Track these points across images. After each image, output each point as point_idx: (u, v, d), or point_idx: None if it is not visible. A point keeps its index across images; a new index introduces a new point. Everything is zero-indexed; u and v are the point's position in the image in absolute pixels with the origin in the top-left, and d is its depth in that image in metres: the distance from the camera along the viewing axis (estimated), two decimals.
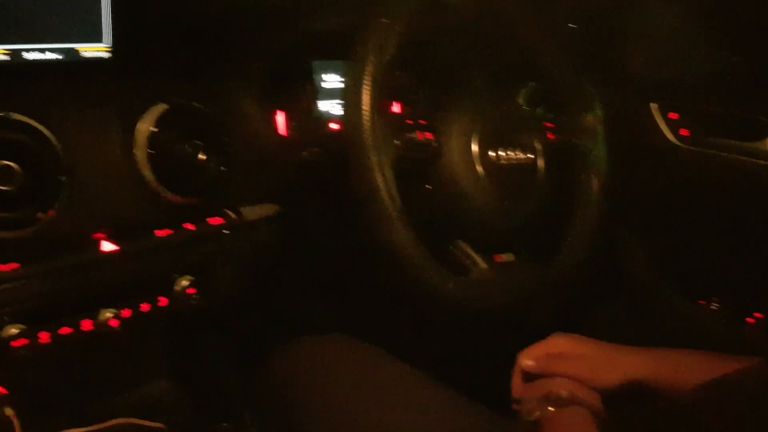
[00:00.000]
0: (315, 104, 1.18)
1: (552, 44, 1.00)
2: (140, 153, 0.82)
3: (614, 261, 1.17)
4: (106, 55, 0.85)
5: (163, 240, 0.85)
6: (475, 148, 0.89)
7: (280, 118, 1.13)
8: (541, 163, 0.96)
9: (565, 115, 1.03)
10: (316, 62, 1.19)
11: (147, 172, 0.83)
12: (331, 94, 1.21)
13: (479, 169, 0.88)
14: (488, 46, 1.07)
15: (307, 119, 1.16)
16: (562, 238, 0.96)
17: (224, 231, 0.93)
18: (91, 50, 0.85)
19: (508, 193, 0.92)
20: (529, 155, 0.94)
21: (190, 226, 0.89)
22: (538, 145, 0.96)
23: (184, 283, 0.90)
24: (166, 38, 0.87)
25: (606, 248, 1.01)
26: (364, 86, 0.79)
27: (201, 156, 0.85)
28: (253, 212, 0.97)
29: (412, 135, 0.86)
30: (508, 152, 0.92)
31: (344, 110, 0.82)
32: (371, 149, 0.78)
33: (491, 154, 0.90)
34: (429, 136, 0.88)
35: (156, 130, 0.83)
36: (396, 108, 1.05)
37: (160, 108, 0.84)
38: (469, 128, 0.89)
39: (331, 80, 1.21)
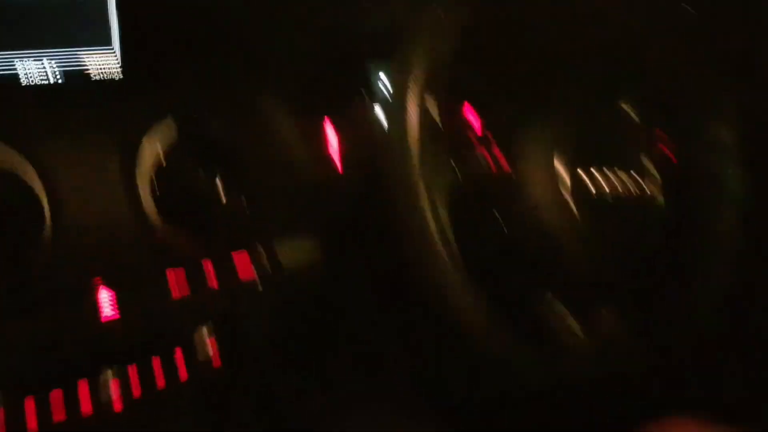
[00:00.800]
0: (372, 113, 1.01)
1: (669, 31, 0.77)
2: (142, 183, 0.67)
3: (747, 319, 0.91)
4: (116, 69, 0.71)
5: (177, 303, 0.69)
6: (562, 172, 0.67)
7: (330, 133, 0.95)
8: (654, 189, 0.73)
9: (688, 126, 0.80)
10: (373, 63, 1.01)
11: (149, 207, 0.67)
12: None
13: (569, 199, 0.67)
14: (583, 34, 0.85)
15: (361, 132, 0.99)
16: (685, 289, 0.73)
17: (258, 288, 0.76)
18: (99, 66, 0.71)
19: (610, 230, 0.70)
20: (637, 180, 0.71)
21: (212, 284, 0.72)
22: (650, 167, 0.73)
23: (205, 347, 0.74)
24: (181, 42, 0.72)
25: (740, 303, 0.77)
26: (409, 100, 0.60)
27: (218, 186, 0.69)
28: (293, 258, 0.79)
29: (477, 154, 0.66)
30: (609, 177, 0.70)
31: (387, 130, 0.63)
32: (418, 183, 0.58)
33: (586, 179, 0.68)
34: (500, 155, 0.67)
35: (163, 153, 0.68)
36: (456, 117, 0.85)
37: (170, 126, 0.68)
38: (556, 145, 0.68)
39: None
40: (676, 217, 0.74)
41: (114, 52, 0.70)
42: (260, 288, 0.75)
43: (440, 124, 0.64)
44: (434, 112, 0.61)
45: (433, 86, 0.61)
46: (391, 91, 0.62)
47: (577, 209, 0.67)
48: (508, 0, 0.69)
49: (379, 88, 1.02)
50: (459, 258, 0.59)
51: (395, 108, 0.60)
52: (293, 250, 0.79)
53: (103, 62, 0.70)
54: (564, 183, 0.67)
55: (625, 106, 0.84)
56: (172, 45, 0.71)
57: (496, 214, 0.68)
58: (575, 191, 0.67)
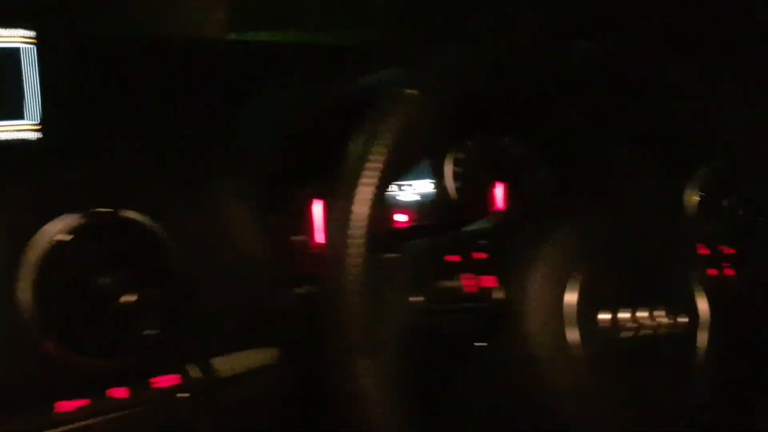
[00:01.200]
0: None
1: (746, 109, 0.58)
2: (25, 285, 0.54)
3: None
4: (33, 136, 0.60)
5: (66, 417, 0.56)
6: (572, 302, 0.49)
7: (317, 213, 0.80)
8: (705, 332, 0.53)
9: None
10: None
11: (31, 318, 0.53)
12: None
13: (576, 341, 0.48)
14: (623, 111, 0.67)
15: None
16: None
17: (179, 395, 0.61)
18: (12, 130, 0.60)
19: (638, 386, 0.51)
20: (681, 319, 0.52)
21: (119, 393, 0.59)
22: (701, 297, 0.53)
23: None
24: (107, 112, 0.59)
25: None
26: (355, 209, 0.44)
27: (127, 297, 0.55)
28: (232, 364, 0.64)
29: (453, 284, 0.48)
30: (642, 313, 0.50)
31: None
32: (355, 331, 0.42)
33: (604, 317, 0.49)
34: (488, 281, 0.50)
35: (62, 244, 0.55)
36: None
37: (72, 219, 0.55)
38: (569, 265, 0.50)
39: None
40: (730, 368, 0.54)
41: (32, 124, 0.59)
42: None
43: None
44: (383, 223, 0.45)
45: (384, 195, 0.45)
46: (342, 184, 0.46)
47: (587, 355, 0.48)
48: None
49: None
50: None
51: (335, 219, 0.45)
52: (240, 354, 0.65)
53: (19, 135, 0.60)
54: (571, 317, 0.48)
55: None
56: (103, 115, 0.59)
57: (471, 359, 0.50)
58: (588, 330, 0.49)
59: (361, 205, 0.44)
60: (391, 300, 0.45)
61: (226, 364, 0.64)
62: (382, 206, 0.45)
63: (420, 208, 0.87)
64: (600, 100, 0.82)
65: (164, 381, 0.61)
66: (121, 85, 0.60)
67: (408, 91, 0.45)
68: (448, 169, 0.88)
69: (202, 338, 0.63)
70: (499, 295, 0.49)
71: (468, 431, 0.53)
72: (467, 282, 0.49)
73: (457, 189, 0.88)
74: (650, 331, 0.50)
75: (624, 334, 0.49)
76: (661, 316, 0.51)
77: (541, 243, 0.50)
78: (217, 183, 0.63)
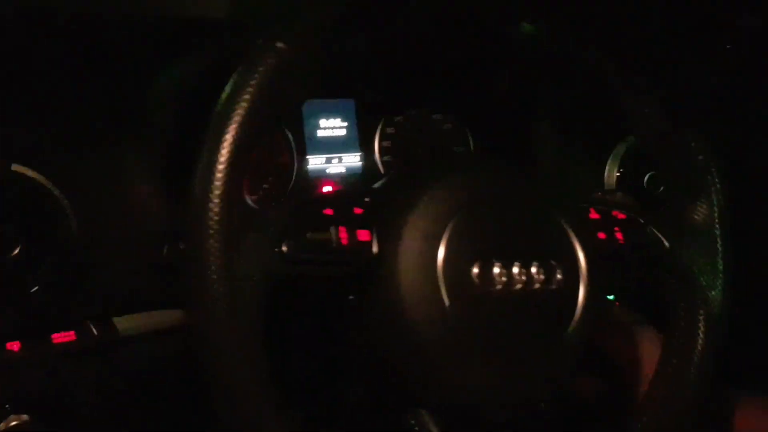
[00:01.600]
0: (303, 160, 0.85)
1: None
2: None
3: None
4: None
5: None
6: (443, 256, 0.49)
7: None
8: (584, 288, 0.53)
9: (652, 198, 0.61)
10: (308, 102, 0.86)
11: None
12: (327, 145, 0.87)
13: (446, 300, 0.49)
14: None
15: (286, 181, 0.84)
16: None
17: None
18: None
19: (508, 342, 0.51)
20: (559, 275, 0.52)
21: (13, 346, 0.59)
22: (582, 256, 0.54)
23: (14, 424, 0.61)
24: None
25: None
26: (220, 159, 0.44)
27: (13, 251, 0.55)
28: (134, 323, 0.65)
29: (324, 235, 0.49)
30: (516, 269, 0.51)
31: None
32: (221, 280, 0.43)
33: (476, 271, 0.50)
34: (363, 235, 0.50)
35: None
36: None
37: None
38: (443, 220, 0.50)
39: (329, 126, 0.88)
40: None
41: None
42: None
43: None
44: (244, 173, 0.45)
45: (249, 144, 0.45)
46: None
47: (461, 313, 0.49)
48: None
49: (317, 127, 0.87)
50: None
51: (200, 170, 0.45)
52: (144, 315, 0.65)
53: None
54: (445, 272, 0.49)
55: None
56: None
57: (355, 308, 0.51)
58: (462, 285, 0.49)
59: (221, 153, 0.44)
60: (257, 250, 0.45)
61: (127, 324, 0.65)
62: (245, 156, 0.45)
63: (347, 181, 0.87)
64: (526, 77, 0.83)
65: (60, 337, 0.62)
66: (28, 53, 0.60)
67: (276, 43, 0.46)
68: (376, 143, 0.89)
69: (102, 296, 0.63)
70: (372, 248, 0.50)
71: (336, 387, 0.53)
72: (342, 235, 0.49)
73: (385, 163, 0.89)
74: (523, 286, 0.51)
75: (496, 289, 0.50)
76: (537, 272, 0.51)
77: (416, 198, 0.51)
78: (119, 147, 0.64)
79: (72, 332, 0.61)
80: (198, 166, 0.45)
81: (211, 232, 0.44)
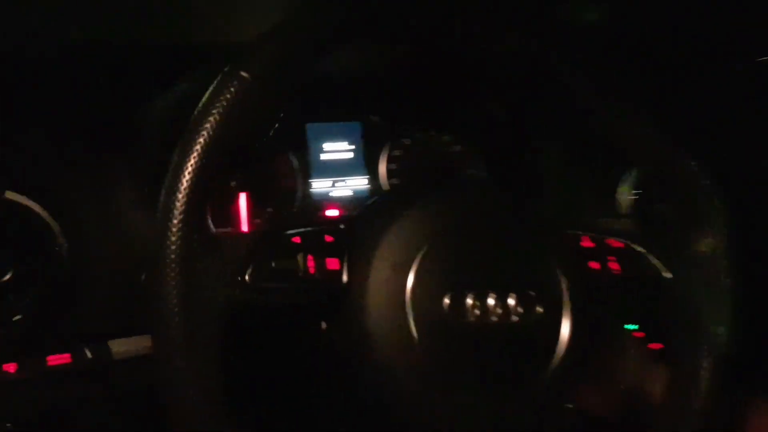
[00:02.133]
0: (307, 183, 0.85)
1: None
2: None
3: None
4: None
5: None
6: (412, 286, 0.48)
7: (242, 204, 0.81)
8: (568, 321, 0.51)
9: (655, 231, 0.58)
10: (312, 125, 0.86)
11: None
12: (332, 168, 0.87)
13: (414, 332, 0.47)
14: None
15: (290, 205, 0.84)
16: None
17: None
18: None
19: (480, 376, 0.49)
20: (539, 308, 0.50)
21: (9, 367, 0.60)
22: (566, 287, 0.51)
23: None
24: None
25: None
26: (180, 186, 0.44)
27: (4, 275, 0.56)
28: (129, 346, 0.65)
29: (291, 263, 0.48)
30: (491, 300, 0.49)
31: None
32: (178, 309, 0.42)
33: (447, 302, 0.48)
34: (332, 264, 0.49)
35: None
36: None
37: None
38: (414, 249, 0.49)
39: (334, 149, 0.87)
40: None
41: None
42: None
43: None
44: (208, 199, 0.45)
45: (216, 167, 0.45)
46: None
47: (433, 346, 0.47)
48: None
49: (320, 150, 0.87)
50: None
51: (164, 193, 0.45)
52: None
53: None
54: (416, 304, 0.47)
55: None
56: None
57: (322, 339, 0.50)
58: (434, 317, 0.47)
59: (181, 181, 0.44)
60: (219, 278, 0.45)
61: (122, 347, 0.65)
62: (207, 183, 0.45)
63: (352, 205, 0.86)
64: (529, 98, 0.80)
65: (56, 359, 0.62)
66: (23, 78, 0.62)
67: (241, 72, 0.45)
68: (383, 166, 0.88)
69: (93, 319, 0.64)
70: (341, 278, 0.48)
71: (305, 417, 0.51)
72: (309, 264, 0.48)
73: (392, 186, 0.88)
74: (499, 319, 0.48)
75: (469, 321, 0.48)
76: (514, 304, 0.49)
77: (387, 225, 0.49)
78: (110, 172, 0.65)
79: (67, 354, 0.62)
80: (161, 193, 0.45)
81: (169, 259, 0.43)
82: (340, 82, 0.83)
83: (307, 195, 0.84)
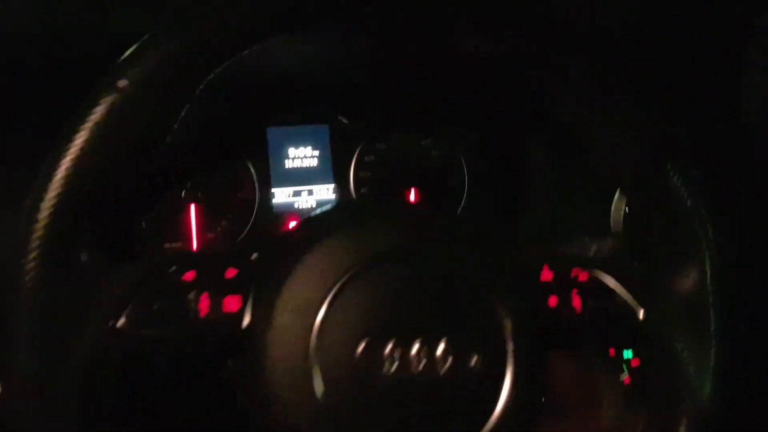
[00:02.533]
0: (267, 193, 0.78)
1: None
2: None
3: None
4: None
5: None
6: (318, 331, 0.40)
7: (192, 217, 0.75)
8: (511, 373, 0.42)
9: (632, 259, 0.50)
10: (273, 129, 0.79)
11: None
12: (296, 176, 0.80)
13: (319, 387, 0.40)
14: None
15: (247, 218, 0.77)
16: None
17: None
18: None
19: None
20: (474, 357, 0.42)
21: None
22: (510, 331, 0.43)
23: None
24: None
25: None
26: (40, 213, 0.37)
27: None
28: None
29: (178, 304, 0.41)
30: (415, 348, 0.41)
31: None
32: (30, 359, 0.36)
33: (362, 350, 0.40)
34: (232, 303, 0.42)
35: None
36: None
37: None
38: (326, 282, 0.41)
39: (298, 155, 0.80)
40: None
41: None
42: None
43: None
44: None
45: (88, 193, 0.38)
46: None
47: (336, 398, 0.39)
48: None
49: (285, 156, 0.79)
50: None
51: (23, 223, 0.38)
52: None
53: None
54: (320, 358, 0.40)
55: None
56: None
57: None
58: (336, 374, 0.40)
59: (42, 206, 0.37)
60: (86, 324, 0.38)
61: None
62: (76, 208, 0.38)
63: None
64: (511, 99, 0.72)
65: None
66: None
67: (119, 81, 0.38)
68: (352, 173, 0.80)
69: None
70: (241, 321, 0.41)
71: None
72: (202, 305, 0.41)
73: (363, 196, 0.80)
74: (424, 371, 0.41)
75: (387, 373, 0.40)
76: (443, 353, 0.41)
77: (296, 258, 0.42)
78: None
79: None
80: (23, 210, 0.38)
81: (22, 292, 0.37)
82: (305, 80, 0.76)
83: (267, 206, 0.77)
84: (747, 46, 0.65)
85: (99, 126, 0.38)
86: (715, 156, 0.66)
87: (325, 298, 0.41)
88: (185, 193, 0.73)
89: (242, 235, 0.76)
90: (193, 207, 0.73)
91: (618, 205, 0.70)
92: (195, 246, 0.74)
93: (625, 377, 0.65)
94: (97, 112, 0.38)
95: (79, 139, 0.38)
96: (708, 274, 0.46)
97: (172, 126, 0.41)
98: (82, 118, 0.38)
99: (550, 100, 0.48)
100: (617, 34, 0.58)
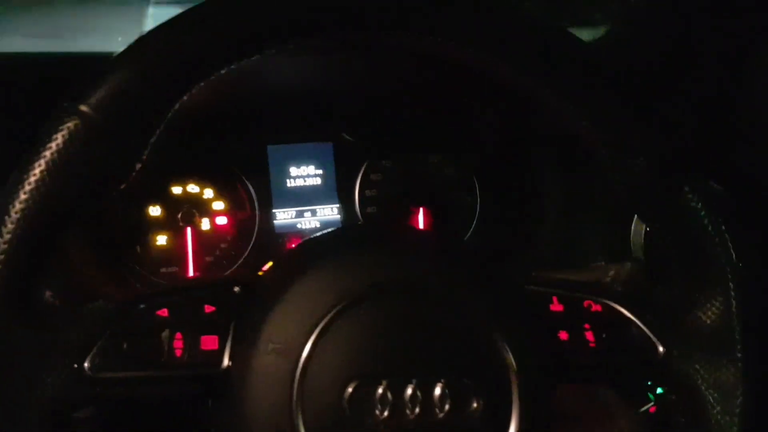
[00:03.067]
0: (268, 214, 0.75)
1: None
2: None
3: None
4: None
5: None
6: (300, 373, 0.37)
7: (188, 241, 0.72)
8: (516, 417, 0.38)
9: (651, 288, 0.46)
10: (274, 147, 0.76)
11: None
12: (298, 196, 0.76)
13: (306, 424, 0.36)
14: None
15: (247, 240, 0.74)
16: None
17: None
18: None
19: None
20: (475, 402, 0.38)
21: None
22: (515, 371, 0.39)
23: None
24: None
25: None
26: (3, 234, 0.35)
27: None
28: None
29: (150, 344, 0.38)
30: (410, 391, 0.37)
31: None
32: None
33: (350, 393, 0.37)
34: (209, 343, 0.38)
35: None
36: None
37: None
38: (311, 318, 0.38)
39: (301, 174, 0.77)
40: None
41: None
42: None
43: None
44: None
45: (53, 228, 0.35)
46: None
47: None
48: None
49: (286, 175, 0.76)
50: None
51: None
52: None
53: None
54: (306, 401, 0.36)
55: None
56: None
57: None
58: (323, 420, 0.36)
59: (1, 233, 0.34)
60: (48, 367, 0.35)
61: None
62: (37, 242, 0.35)
63: None
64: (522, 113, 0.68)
65: None
66: None
67: (80, 105, 0.36)
68: (357, 192, 0.77)
69: None
70: (220, 361, 0.38)
71: None
72: (177, 344, 0.38)
73: (368, 215, 0.77)
74: (420, 415, 0.37)
75: (379, 419, 0.37)
76: (441, 396, 0.37)
77: (280, 291, 0.38)
78: None
79: None
80: None
81: None
82: (306, 96, 0.73)
83: (268, 228, 0.74)
84: (751, 61, 0.61)
85: (59, 154, 0.35)
86: (732, 175, 0.61)
87: (309, 336, 0.37)
88: (181, 215, 0.71)
89: (242, 258, 0.73)
90: (189, 230, 0.70)
91: (638, 229, 0.65)
92: (191, 271, 0.71)
93: (650, 406, 0.61)
94: (57, 139, 0.35)
95: (38, 168, 0.35)
96: (733, 306, 0.42)
97: (141, 152, 0.38)
98: (40, 145, 0.35)
99: (554, 115, 0.44)
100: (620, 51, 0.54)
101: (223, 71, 0.38)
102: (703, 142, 0.58)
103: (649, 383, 0.46)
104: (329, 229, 0.44)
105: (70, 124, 0.35)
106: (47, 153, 0.35)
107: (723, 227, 0.42)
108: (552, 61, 0.40)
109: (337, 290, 0.38)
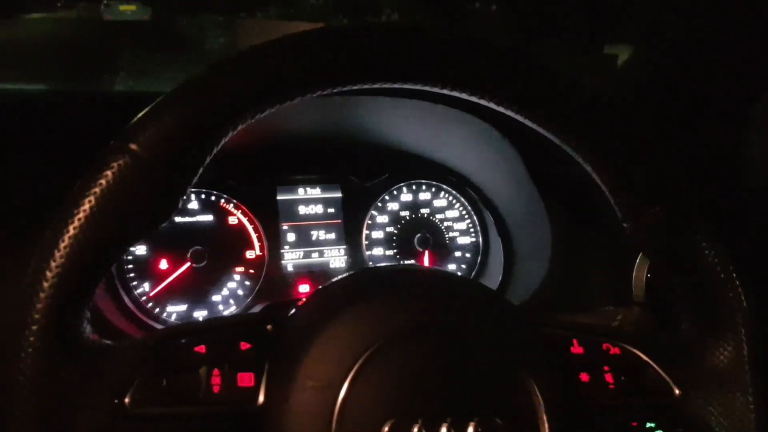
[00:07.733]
0: (277, 255, 0.76)
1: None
2: None
3: None
4: None
5: None
6: (339, 411, 0.37)
7: (197, 276, 0.72)
8: None
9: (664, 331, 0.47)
10: (283, 188, 0.77)
11: None
12: (306, 237, 0.77)
13: None
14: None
15: (255, 281, 0.74)
16: None
17: None
18: None
19: None
20: None
21: None
22: (544, 410, 0.40)
23: None
24: None
25: None
26: (43, 282, 0.35)
27: None
28: None
29: (189, 380, 0.38)
30: (444, 429, 0.38)
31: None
32: None
33: None
34: (245, 380, 0.39)
35: None
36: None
37: None
38: (349, 359, 0.39)
39: (309, 215, 0.78)
40: None
41: None
42: None
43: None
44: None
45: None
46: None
47: None
48: None
49: (295, 214, 0.77)
50: None
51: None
52: None
53: None
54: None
55: None
56: None
57: None
58: None
59: (45, 274, 0.35)
60: (90, 402, 0.36)
61: None
62: (82, 277, 0.36)
63: (328, 280, 0.77)
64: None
65: None
66: None
67: (129, 144, 0.37)
68: (364, 234, 0.78)
69: None
70: (256, 398, 0.39)
71: None
72: (215, 380, 0.39)
73: (374, 258, 0.78)
74: None
75: None
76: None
77: (316, 331, 0.39)
78: None
79: None
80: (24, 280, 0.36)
81: (20, 367, 0.34)
82: (315, 140, 0.75)
83: (276, 267, 0.75)
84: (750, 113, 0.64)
85: (108, 190, 0.36)
86: (739, 222, 0.64)
87: (348, 375, 0.38)
88: (191, 253, 0.71)
89: (251, 298, 0.73)
90: (198, 268, 0.71)
91: (639, 273, 0.68)
92: (198, 309, 0.71)
93: None
94: (107, 176, 0.36)
95: (87, 204, 0.36)
96: (745, 350, 0.44)
97: (184, 190, 0.39)
98: (89, 182, 0.36)
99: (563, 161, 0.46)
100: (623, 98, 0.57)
101: (263, 114, 0.39)
102: (710, 191, 0.60)
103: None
104: (362, 268, 0.45)
105: (120, 162, 0.36)
106: (97, 189, 0.36)
107: (734, 275, 0.44)
108: (570, 112, 0.42)
109: (374, 330, 0.39)
